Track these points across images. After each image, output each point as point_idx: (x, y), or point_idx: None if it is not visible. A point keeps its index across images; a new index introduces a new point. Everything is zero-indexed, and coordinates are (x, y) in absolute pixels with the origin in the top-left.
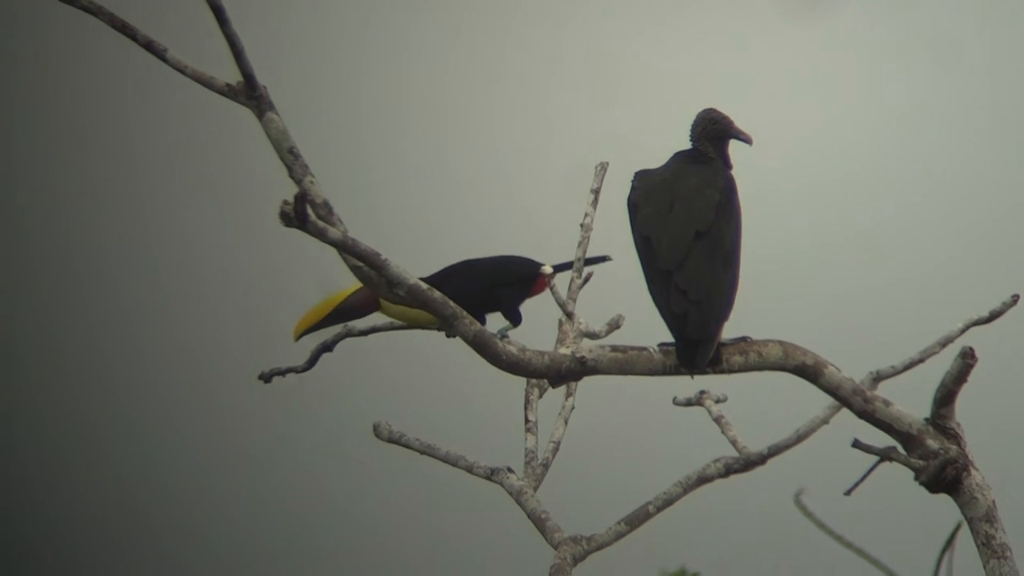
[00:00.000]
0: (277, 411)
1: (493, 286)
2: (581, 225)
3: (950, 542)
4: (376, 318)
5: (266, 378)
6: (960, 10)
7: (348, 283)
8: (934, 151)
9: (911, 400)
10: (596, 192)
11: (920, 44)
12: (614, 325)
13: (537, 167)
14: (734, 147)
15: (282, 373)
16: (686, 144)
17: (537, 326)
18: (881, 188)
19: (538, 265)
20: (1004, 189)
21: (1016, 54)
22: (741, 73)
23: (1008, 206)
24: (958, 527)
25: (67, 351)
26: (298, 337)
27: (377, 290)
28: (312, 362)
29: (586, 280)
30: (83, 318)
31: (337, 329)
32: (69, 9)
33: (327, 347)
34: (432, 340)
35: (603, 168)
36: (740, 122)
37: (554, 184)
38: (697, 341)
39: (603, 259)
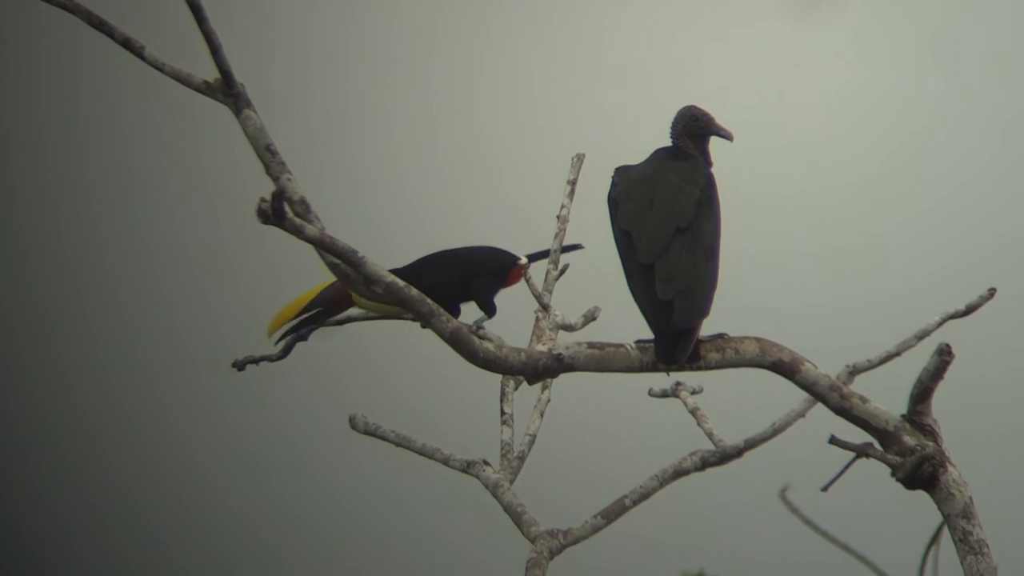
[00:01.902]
0: (255, 405)
1: (468, 277)
2: (557, 217)
3: (936, 537)
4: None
5: (239, 366)
6: (960, 10)
7: (323, 277)
8: (924, 149)
9: (888, 397)
10: (572, 183)
11: (919, 45)
12: (590, 317)
13: (520, 163)
14: (726, 145)
15: (255, 361)
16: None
17: (513, 319)
18: (872, 187)
19: (513, 256)
20: (998, 188)
21: (1016, 55)
22: (739, 73)
23: (1001, 205)
24: (943, 523)
25: (57, 341)
26: (272, 335)
27: (354, 287)
28: (286, 351)
29: (562, 272)
30: (71, 308)
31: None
32: (45, 6)
33: (301, 336)
34: (407, 332)
35: (579, 159)
36: (737, 122)
37: (537, 178)
38: (676, 337)
39: (576, 247)
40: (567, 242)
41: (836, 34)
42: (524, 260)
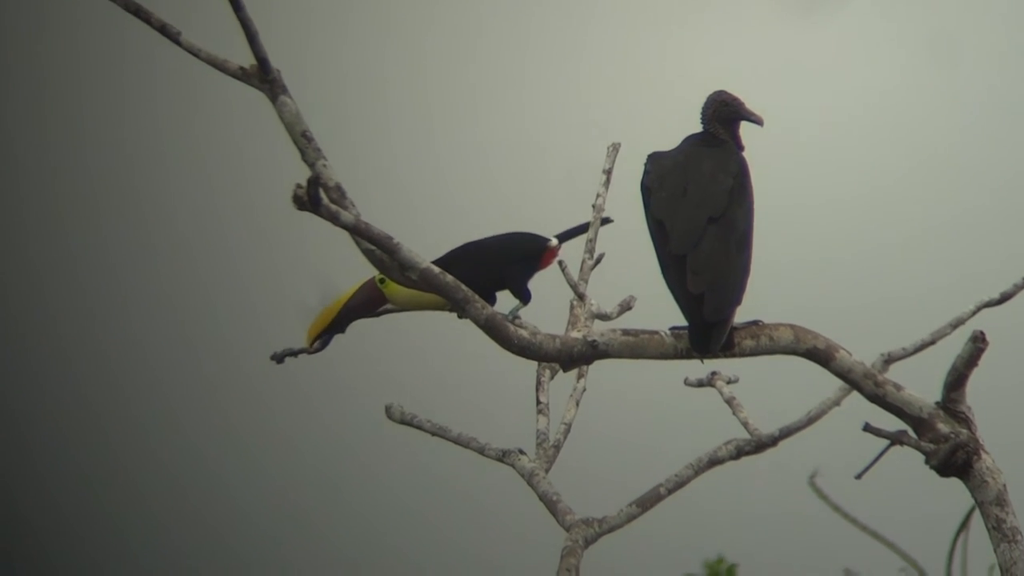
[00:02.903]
0: (289, 393)
1: (500, 266)
2: (593, 206)
3: (964, 524)
4: None
5: (278, 358)
6: (960, 10)
7: (348, 278)
8: (936, 143)
9: (922, 384)
10: (608, 173)
11: (920, 44)
12: (625, 307)
13: (550, 151)
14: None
15: (294, 354)
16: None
17: (549, 307)
18: (888, 179)
19: (544, 240)
20: (1004, 182)
21: (1015, 53)
22: (741, 72)
23: (1007, 198)
24: (972, 509)
25: (68, 340)
26: (311, 342)
27: (389, 274)
28: (324, 343)
29: (598, 261)
30: (85, 307)
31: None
32: None
33: (339, 328)
34: (443, 322)
35: (615, 149)
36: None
37: (568, 167)
38: (710, 325)
39: (606, 221)
40: (602, 232)
41: (836, 34)
42: (555, 242)
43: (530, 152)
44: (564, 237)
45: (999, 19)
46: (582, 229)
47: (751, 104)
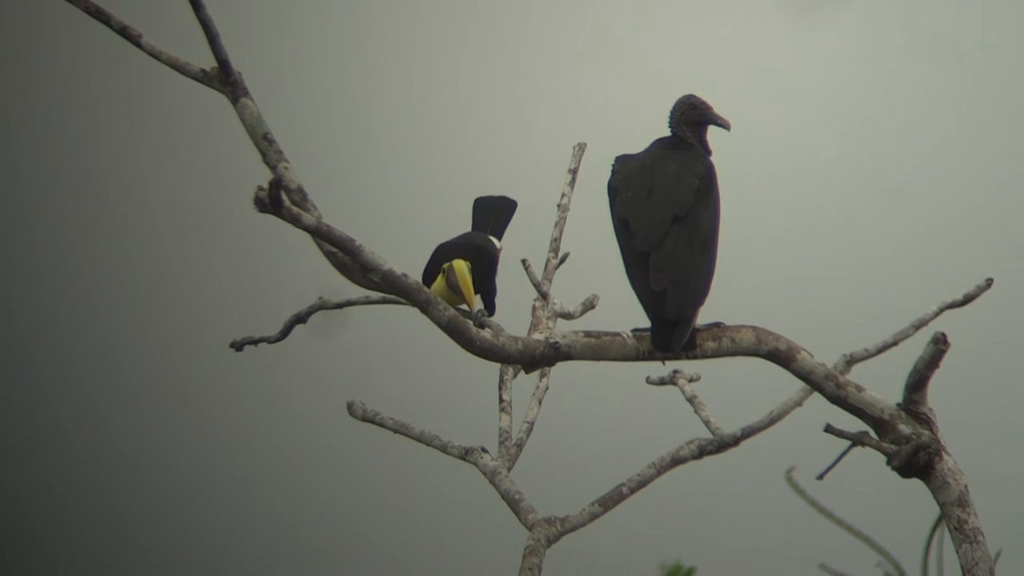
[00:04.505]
0: (249, 387)
1: (493, 274)
2: (558, 205)
3: (940, 520)
4: (350, 291)
5: (238, 346)
6: (960, 11)
7: (311, 276)
8: (933, 145)
9: (884, 386)
10: (573, 172)
11: (920, 45)
12: (588, 305)
13: (519, 152)
14: (729, 140)
15: (254, 342)
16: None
17: (511, 306)
18: (871, 182)
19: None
20: (997, 183)
21: (1016, 55)
22: (743, 75)
23: (1001, 199)
24: None
25: (33, 336)
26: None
27: (351, 276)
28: (285, 332)
29: (562, 260)
30: (51, 304)
31: (311, 300)
32: None
33: (300, 318)
34: (406, 317)
35: (580, 149)
36: (740, 120)
37: (536, 168)
38: (672, 325)
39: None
40: (567, 231)
41: (837, 34)
42: (498, 243)
43: (498, 155)
44: (499, 233)
45: (999, 19)
46: (505, 216)
47: (748, 111)
